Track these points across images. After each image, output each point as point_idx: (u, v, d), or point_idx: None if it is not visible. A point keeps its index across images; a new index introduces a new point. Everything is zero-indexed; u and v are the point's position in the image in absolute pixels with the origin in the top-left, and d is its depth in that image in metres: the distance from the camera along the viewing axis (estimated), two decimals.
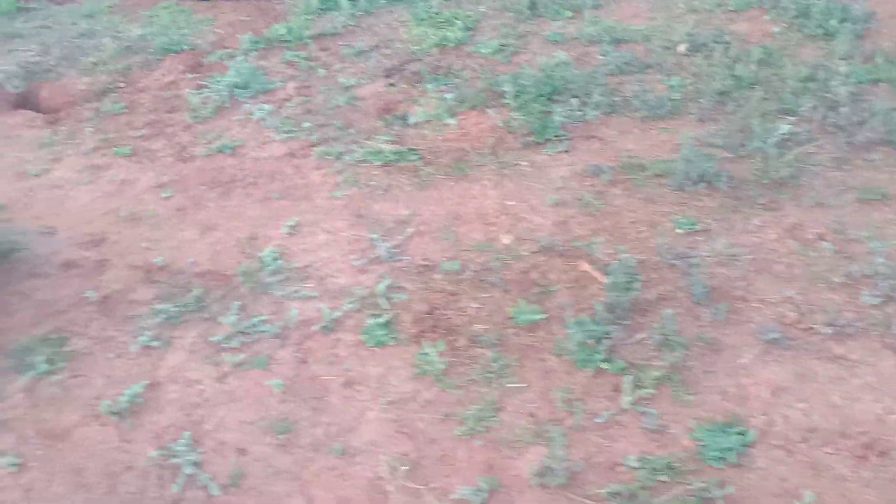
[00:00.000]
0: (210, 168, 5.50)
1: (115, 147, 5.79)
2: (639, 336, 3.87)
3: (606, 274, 4.19)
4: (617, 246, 4.43)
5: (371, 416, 3.65)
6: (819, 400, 3.46)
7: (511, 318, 4.08)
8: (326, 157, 5.53)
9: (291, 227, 4.89)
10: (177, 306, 4.29)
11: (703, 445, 3.33)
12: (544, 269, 4.38)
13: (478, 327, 4.05)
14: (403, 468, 3.40)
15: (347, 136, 5.76)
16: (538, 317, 4.05)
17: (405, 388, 3.78)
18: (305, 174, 5.41)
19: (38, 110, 6.36)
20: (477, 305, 4.20)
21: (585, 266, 4.34)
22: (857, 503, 3.05)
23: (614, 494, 3.18)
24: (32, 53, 6.93)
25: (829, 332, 3.75)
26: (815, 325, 3.81)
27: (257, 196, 5.22)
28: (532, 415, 3.59)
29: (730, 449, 3.29)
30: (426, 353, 3.88)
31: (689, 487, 3.18)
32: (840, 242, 4.27)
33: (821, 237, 4.35)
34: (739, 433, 3.36)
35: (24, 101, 6.46)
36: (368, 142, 5.67)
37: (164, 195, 5.25)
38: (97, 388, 3.86)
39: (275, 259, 4.59)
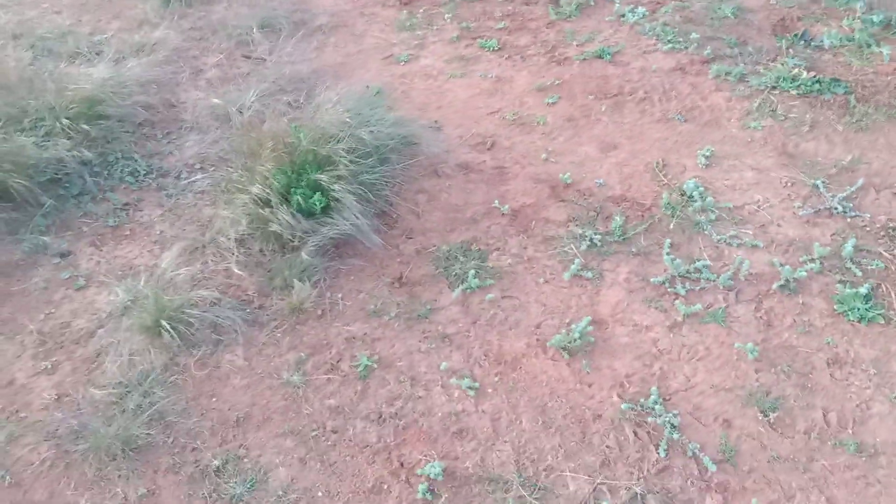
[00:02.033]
0: (592, 75, 4.92)
1: (479, 39, 5.31)
2: None
3: None
4: None
5: (879, 409, 3.07)
6: None
7: None
8: (726, 77, 4.78)
9: (707, 157, 4.25)
10: (600, 233, 3.83)
11: None
12: None
13: None
14: None
15: (746, 54, 4.96)
16: None
17: None
18: (705, 95, 4.70)
19: None
20: None
21: None
22: None
23: None
24: None
25: None
26: None
27: (654, 114, 4.60)
28: None
29: None
30: None
31: None
32: None
33: None
34: None
35: None
36: (774, 64, 4.84)
37: (548, 101, 4.74)
38: (535, 316, 3.51)
39: (700, 194, 3.99)
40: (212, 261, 3.74)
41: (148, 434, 3.07)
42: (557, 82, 4.87)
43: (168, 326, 3.33)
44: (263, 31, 5.39)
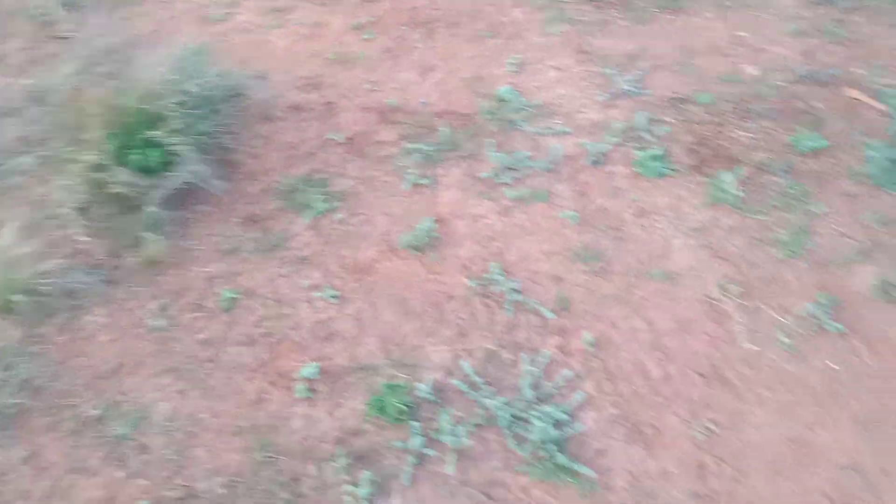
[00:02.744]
0: (403, 8, 5.23)
1: None
2: None
3: (881, 99, 4.06)
4: (881, 72, 4.28)
5: (679, 243, 3.64)
6: None
7: (791, 145, 3.99)
8: None
9: (515, 64, 4.70)
10: (430, 145, 4.18)
11: None
12: (808, 99, 4.25)
13: (760, 155, 3.97)
14: (734, 287, 3.42)
15: None
16: (821, 143, 3.96)
17: (704, 216, 3.74)
18: (507, 12, 5.15)
19: None
20: (749, 135, 4.10)
21: (855, 93, 4.20)
22: None
23: None
24: None
25: None
26: None
27: (464, 35, 4.99)
28: (847, 236, 3.57)
29: None
30: (719, 181, 3.82)
31: None
32: None
33: None
34: None
35: None
36: None
37: (365, 37, 5.01)
38: (382, 226, 3.82)
39: (514, 97, 4.44)
40: (56, 233, 3.75)
41: (18, 403, 3.12)
42: (371, 19, 5.15)
43: (20, 300, 3.34)
44: (66, 8, 5.27)
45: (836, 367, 3.11)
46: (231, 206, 3.93)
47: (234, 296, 3.51)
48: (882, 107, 4.05)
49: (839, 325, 3.22)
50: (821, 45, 4.56)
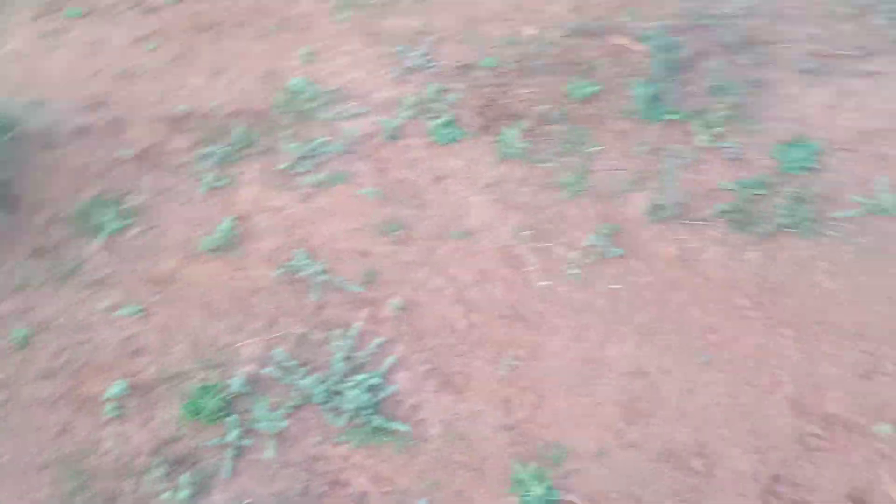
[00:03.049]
0: (185, 14, 5.22)
1: (65, 10, 5.31)
2: (691, 88, 4.23)
3: (643, 42, 4.48)
4: (642, 18, 4.70)
5: (475, 201, 3.86)
6: (864, 105, 4.00)
7: (567, 94, 4.32)
8: None
9: (307, 55, 4.80)
10: (224, 147, 4.21)
11: (782, 162, 3.81)
12: (580, 50, 4.61)
13: (541, 108, 4.27)
14: (526, 233, 3.67)
15: None
16: (594, 89, 4.31)
17: (495, 172, 3.99)
18: (294, 5, 5.24)
19: None
20: (530, 91, 4.40)
21: (620, 39, 4.60)
22: None
23: (722, 213, 3.62)
24: None
25: (856, 53, 4.26)
26: (840, 53, 4.30)
27: (253, 33, 5.04)
28: (621, 169, 3.92)
29: (805, 159, 3.79)
30: (505, 137, 4.08)
31: (781, 194, 3.66)
32: None
33: None
34: (807, 146, 3.86)
35: None
36: None
37: (148, 48, 4.96)
38: (181, 234, 3.82)
39: (308, 86, 4.54)
40: None
41: None
42: (154, 30, 5.09)
43: None
44: None
45: (619, 287, 3.42)
46: (16, 240, 3.80)
47: (27, 332, 3.41)
48: (644, 48, 4.46)
49: (619, 250, 3.54)
50: (588, 0, 4.94)
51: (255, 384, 3.21)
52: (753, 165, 3.83)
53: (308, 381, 3.15)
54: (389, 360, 3.24)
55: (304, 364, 3.25)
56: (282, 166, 4.09)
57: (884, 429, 2.86)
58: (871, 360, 3.06)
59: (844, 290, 3.27)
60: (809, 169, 3.76)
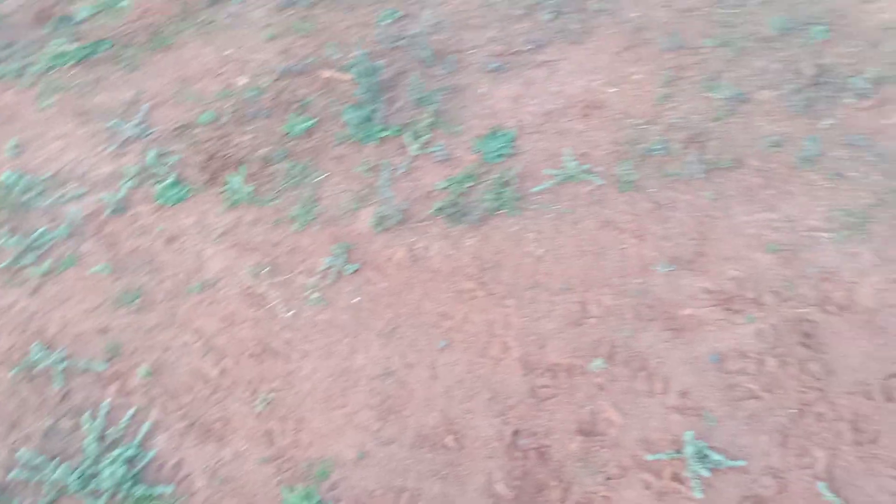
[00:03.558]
0: None
1: None
2: (398, 104, 4.67)
3: (348, 71, 4.87)
4: (345, 50, 5.10)
5: (210, 252, 4.00)
6: (543, 91, 4.62)
7: (286, 133, 4.60)
8: (4, 78, 5.26)
9: (15, 147, 4.71)
10: None
11: (484, 153, 4.31)
12: (292, 89, 4.91)
13: (262, 151, 4.50)
14: (265, 271, 3.87)
15: (16, 53, 5.48)
16: (310, 123, 4.62)
17: (226, 220, 4.15)
18: None
19: None
20: (250, 137, 4.62)
21: (328, 73, 4.96)
22: (597, 141, 4.27)
23: (440, 210, 4.03)
24: None
25: (530, 47, 4.91)
26: (517, 49, 4.94)
27: None
28: (346, 190, 4.24)
29: (503, 147, 4.32)
30: (231, 185, 4.26)
31: (488, 182, 4.14)
32: None
33: None
34: (503, 135, 4.40)
35: None
36: (44, 50, 5.47)
37: None
38: None
39: (19, 179, 4.46)
40: None
41: None
42: None
43: None
44: None
45: (359, 299, 3.71)
46: None
47: None
48: (350, 77, 4.84)
49: (355, 265, 3.84)
50: (294, 42, 5.27)
51: (5, 493, 3.12)
52: (461, 162, 4.30)
53: (60, 472, 3.12)
54: (145, 428, 3.28)
55: (54, 456, 3.21)
56: (3, 264, 3.99)
57: (597, 364, 3.35)
58: (580, 307, 3.56)
59: (549, 253, 3.78)
60: (508, 155, 4.29)
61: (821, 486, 2.81)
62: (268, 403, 3.35)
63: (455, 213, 4.01)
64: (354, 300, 3.71)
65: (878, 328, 3.20)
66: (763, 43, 4.55)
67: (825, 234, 3.56)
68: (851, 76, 4.20)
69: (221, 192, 4.29)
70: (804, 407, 3.04)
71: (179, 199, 4.28)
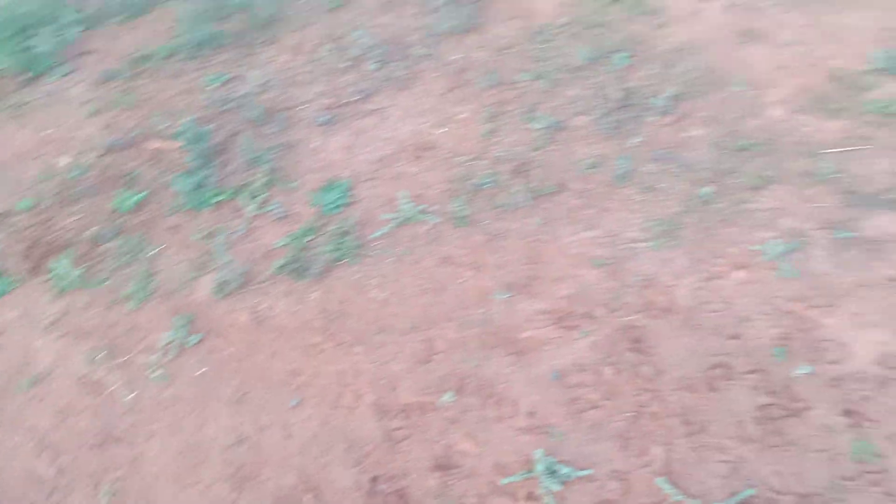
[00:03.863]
0: None
1: None
2: (232, 166, 4.68)
3: (176, 139, 4.84)
4: (172, 118, 5.07)
5: (40, 344, 3.83)
6: (375, 139, 4.77)
7: (115, 210, 4.50)
8: None
9: None
10: None
11: (322, 206, 4.39)
12: (119, 164, 4.82)
13: (91, 231, 4.38)
14: (101, 355, 3.74)
15: None
16: (140, 196, 4.54)
17: (56, 308, 4.00)
18: None
19: None
20: (76, 218, 4.49)
21: (155, 143, 4.91)
22: (430, 181, 4.44)
23: (281, 267, 4.06)
24: None
25: (358, 97, 5.06)
26: (347, 101, 5.09)
27: None
28: (183, 260, 4.19)
29: (340, 197, 4.41)
30: (58, 271, 4.11)
31: (327, 234, 4.21)
32: (332, 42, 5.59)
33: (318, 46, 5.62)
34: (339, 186, 4.49)
35: None
36: None
37: None
38: None
39: None
40: None
41: None
42: None
43: None
44: None
45: (205, 369, 3.65)
46: None
47: None
48: (178, 145, 4.81)
49: (197, 335, 3.78)
50: (118, 115, 5.19)
51: None
52: (299, 217, 4.35)
53: None
54: None
55: None
56: None
57: (447, 398, 3.45)
58: (426, 345, 3.66)
59: (393, 296, 3.88)
60: (345, 205, 4.39)
61: (660, 482, 3.00)
62: (113, 495, 3.22)
63: (297, 268, 4.05)
64: (200, 371, 3.65)
65: (696, 325, 3.48)
66: (573, 73, 4.91)
67: (643, 244, 3.86)
68: (653, 96, 4.60)
69: (47, 280, 4.12)
70: (640, 409, 3.25)
71: (0, 294, 4.07)
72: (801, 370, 3.26)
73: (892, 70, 4.43)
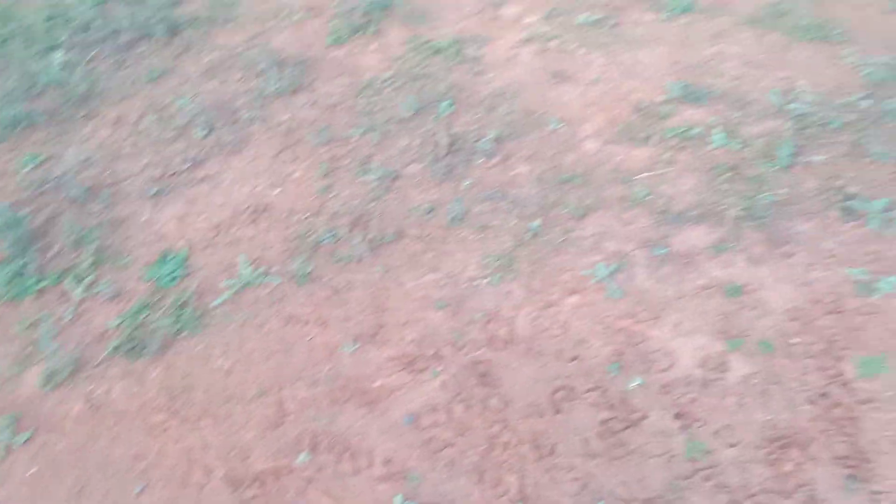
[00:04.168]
0: None
1: None
2: (54, 250, 4.48)
3: None
4: None
5: None
6: (209, 206, 4.73)
7: None
8: None
9: None
10: None
11: (157, 280, 4.28)
12: None
13: None
14: None
15: None
16: None
17: None
18: None
19: None
20: None
21: None
22: (269, 242, 4.44)
23: (116, 349, 3.91)
24: None
25: (188, 166, 5.01)
26: (176, 170, 5.02)
27: None
28: (5, 355, 3.94)
29: (175, 269, 4.32)
30: None
31: (164, 308, 4.10)
32: (155, 112, 5.52)
33: (141, 117, 5.52)
34: (174, 258, 4.41)
35: None
36: None
37: None
38: None
39: None
40: None
41: None
42: None
43: None
44: None
45: (36, 469, 3.43)
46: None
47: None
48: None
49: (25, 434, 3.55)
50: None
51: None
52: (132, 294, 4.21)
53: None
54: None
55: None
56: None
57: (302, 458, 3.42)
58: (277, 408, 3.63)
59: (238, 363, 3.82)
60: (182, 276, 4.30)
61: None
62: None
63: (133, 347, 3.92)
64: (31, 471, 3.43)
65: (537, 353, 3.68)
66: (402, 124, 5.11)
67: (483, 281, 4.04)
68: (478, 140, 4.87)
69: None
70: (492, 440, 3.37)
71: None
72: (635, 382, 3.51)
73: (687, 98, 4.94)
